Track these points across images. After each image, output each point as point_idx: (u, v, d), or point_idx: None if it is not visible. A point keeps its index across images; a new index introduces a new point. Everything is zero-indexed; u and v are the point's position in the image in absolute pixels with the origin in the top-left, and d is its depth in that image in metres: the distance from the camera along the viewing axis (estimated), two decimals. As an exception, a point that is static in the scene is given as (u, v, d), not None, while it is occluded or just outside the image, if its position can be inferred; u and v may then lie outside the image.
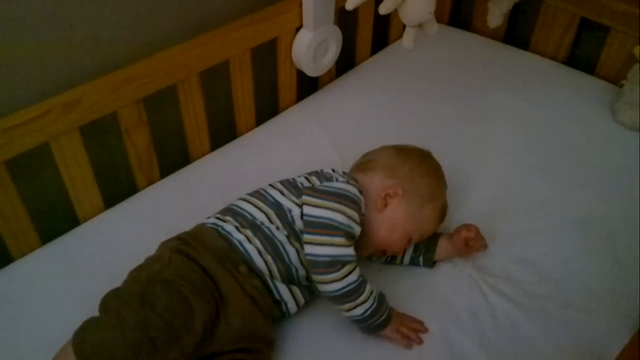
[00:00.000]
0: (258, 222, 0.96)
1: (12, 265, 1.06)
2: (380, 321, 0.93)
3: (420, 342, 0.95)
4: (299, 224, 0.95)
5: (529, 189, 1.23)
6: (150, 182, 1.23)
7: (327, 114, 1.42)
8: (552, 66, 1.54)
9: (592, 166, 1.27)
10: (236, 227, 0.96)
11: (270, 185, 1.04)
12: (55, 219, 1.13)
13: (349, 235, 0.92)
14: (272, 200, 1.00)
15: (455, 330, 0.97)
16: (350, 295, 0.90)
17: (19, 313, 0.99)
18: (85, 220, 1.15)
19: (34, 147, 1.01)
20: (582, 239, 1.12)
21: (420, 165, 1.06)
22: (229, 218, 0.98)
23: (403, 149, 1.10)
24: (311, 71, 1.40)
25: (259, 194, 1.02)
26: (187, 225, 1.13)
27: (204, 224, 1.00)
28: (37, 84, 1.03)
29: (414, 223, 1.01)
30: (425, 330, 0.97)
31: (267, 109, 1.42)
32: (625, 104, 1.34)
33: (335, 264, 0.89)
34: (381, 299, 0.94)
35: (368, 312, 0.91)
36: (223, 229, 0.96)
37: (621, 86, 1.37)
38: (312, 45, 1.34)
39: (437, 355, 0.94)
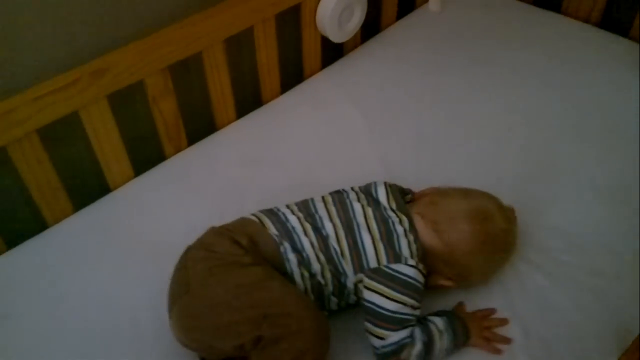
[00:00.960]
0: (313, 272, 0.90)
1: (47, 232, 1.10)
2: (461, 341, 0.89)
3: (508, 341, 0.91)
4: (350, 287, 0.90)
5: (559, 155, 1.21)
6: (178, 150, 1.24)
7: (352, 80, 1.41)
8: (584, 29, 1.50)
9: (624, 132, 1.24)
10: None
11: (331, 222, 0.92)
12: (86, 187, 1.16)
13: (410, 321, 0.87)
14: (332, 255, 0.90)
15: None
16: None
17: (55, 277, 1.02)
18: (116, 187, 1.17)
19: (64, 116, 1.02)
20: (612, 206, 1.10)
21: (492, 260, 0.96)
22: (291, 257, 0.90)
23: (485, 242, 0.92)
24: (336, 37, 1.38)
25: (321, 239, 0.91)
26: (214, 193, 1.15)
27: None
28: (65, 53, 1.04)
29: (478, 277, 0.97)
30: (506, 321, 0.93)
31: (292, 76, 1.41)
32: (659, 68, 1.29)
33: (399, 349, 0.86)
34: (450, 325, 0.89)
35: (450, 346, 0.88)
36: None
37: (655, 49, 1.33)
38: (336, 11, 1.32)
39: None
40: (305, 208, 0.95)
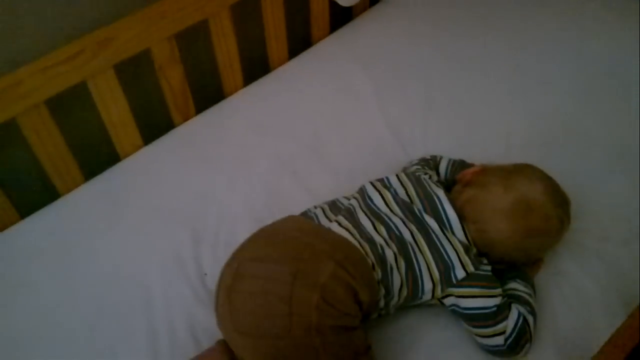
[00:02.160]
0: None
1: (58, 201, 1.11)
2: (532, 281, 0.93)
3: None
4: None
5: (569, 119, 1.20)
6: (186, 118, 1.24)
7: (361, 44, 1.39)
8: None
9: (636, 94, 1.22)
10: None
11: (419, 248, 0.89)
12: (96, 156, 1.17)
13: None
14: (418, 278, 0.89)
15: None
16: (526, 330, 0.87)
17: (67, 246, 1.04)
18: (126, 156, 1.18)
19: (72, 87, 1.03)
20: (622, 170, 1.09)
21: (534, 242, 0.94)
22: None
23: (528, 235, 0.91)
24: (344, 0, 1.35)
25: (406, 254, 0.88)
26: (223, 160, 1.16)
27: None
28: (69, 23, 1.03)
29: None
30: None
31: (300, 41, 1.40)
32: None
33: (522, 330, 0.87)
34: (523, 279, 0.92)
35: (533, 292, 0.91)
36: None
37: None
38: (344, -27, 1.30)
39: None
40: (394, 233, 0.89)
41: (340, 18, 1.44)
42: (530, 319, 0.88)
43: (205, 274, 1.00)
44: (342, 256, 0.81)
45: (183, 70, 1.18)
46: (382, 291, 0.86)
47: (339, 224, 0.89)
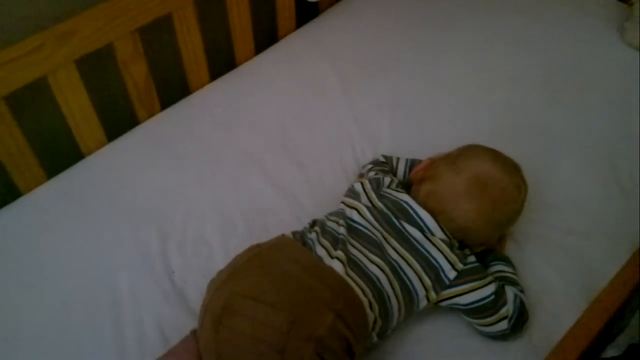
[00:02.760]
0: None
1: (20, 200, 1.08)
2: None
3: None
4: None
5: (534, 113, 1.22)
6: (151, 114, 1.22)
7: (328, 39, 1.39)
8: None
9: (598, 89, 1.25)
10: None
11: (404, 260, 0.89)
12: (59, 153, 1.14)
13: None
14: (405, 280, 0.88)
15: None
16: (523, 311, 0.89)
17: (30, 246, 1.02)
18: (89, 153, 1.16)
19: (32, 82, 1.00)
20: (585, 164, 1.12)
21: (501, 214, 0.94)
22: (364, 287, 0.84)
23: (494, 207, 0.92)
24: (310, -5, 1.35)
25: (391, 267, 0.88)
26: (190, 156, 1.14)
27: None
28: (30, 18, 1.01)
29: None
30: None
31: (266, 36, 1.39)
32: (634, 24, 1.30)
33: (520, 308, 0.89)
34: (503, 260, 0.95)
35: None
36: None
37: (631, 4, 1.33)
38: (310, -32, 1.29)
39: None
40: (384, 254, 0.88)
41: (306, 13, 1.44)
42: (523, 297, 0.90)
43: (173, 272, 0.99)
44: (342, 305, 0.78)
45: (147, 65, 1.16)
46: (379, 325, 0.84)
47: (339, 260, 0.84)
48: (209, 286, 0.85)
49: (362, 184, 0.98)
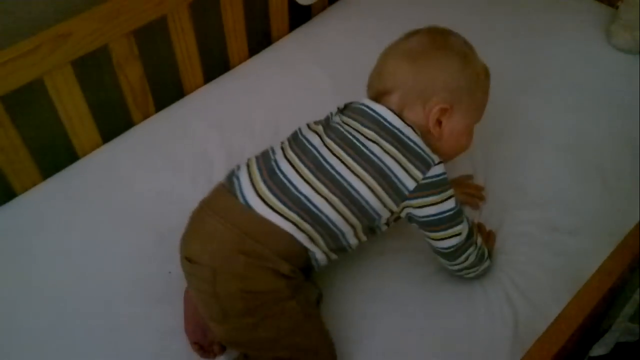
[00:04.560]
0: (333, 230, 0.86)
1: (15, 200, 1.09)
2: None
3: (483, 198, 1.07)
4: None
5: (522, 114, 1.24)
6: (146, 116, 1.24)
7: (321, 42, 1.41)
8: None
9: (586, 90, 1.28)
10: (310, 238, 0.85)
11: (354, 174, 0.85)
12: (54, 154, 1.15)
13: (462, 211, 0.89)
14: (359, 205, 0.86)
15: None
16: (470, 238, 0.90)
17: (25, 246, 1.03)
18: (84, 154, 1.17)
19: (28, 83, 1.01)
20: (572, 164, 1.14)
21: (437, 58, 0.92)
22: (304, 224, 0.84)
23: (410, 53, 0.93)
24: (303, -1, 1.37)
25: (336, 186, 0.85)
26: (184, 158, 1.16)
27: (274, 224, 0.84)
28: (27, 19, 1.02)
29: (474, 115, 0.96)
30: (482, 187, 1.09)
31: (260, 39, 1.41)
32: (620, 27, 1.32)
33: (470, 235, 0.90)
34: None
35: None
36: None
37: (617, 8, 1.35)
38: (302, -28, 1.31)
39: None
40: (317, 165, 0.86)
41: (300, 16, 1.46)
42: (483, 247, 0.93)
43: (170, 272, 1.00)
44: (251, 244, 0.83)
45: (142, 67, 1.17)
46: (325, 244, 0.86)
47: (260, 197, 0.85)
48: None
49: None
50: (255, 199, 0.85)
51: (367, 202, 0.85)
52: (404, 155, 0.85)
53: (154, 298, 0.97)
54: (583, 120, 1.22)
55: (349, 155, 0.86)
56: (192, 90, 1.29)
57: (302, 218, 0.84)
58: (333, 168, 0.86)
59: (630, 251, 0.82)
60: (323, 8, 1.50)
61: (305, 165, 0.87)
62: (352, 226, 0.86)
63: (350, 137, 0.88)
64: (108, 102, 1.20)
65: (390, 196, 0.85)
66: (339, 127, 0.90)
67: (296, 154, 0.89)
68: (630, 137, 1.18)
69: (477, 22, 1.44)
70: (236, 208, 0.86)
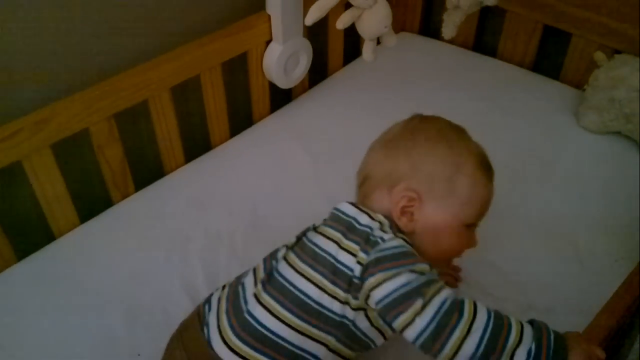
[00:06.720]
0: None
1: (-12, 281, 1.08)
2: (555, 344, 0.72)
3: (460, 279, 0.97)
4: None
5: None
6: (125, 196, 1.25)
7: (301, 123, 1.45)
8: (519, 73, 1.57)
9: (557, 169, 1.31)
10: None
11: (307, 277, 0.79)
12: (30, 235, 1.15)
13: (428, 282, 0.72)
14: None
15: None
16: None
17: (-5, 328, 1.01)
18: (61, 235, 1.17)
19: (6, 166, 1.03)
20: (545, 242, 1.15)
21: (405, 141, 0.86)
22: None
23: (383, 141, 0.90)
24: (283, 83, 1.42)
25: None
26: (160, 236, 1.16)
27: None
28: (8, 104, 1.05)
29: (460, 211, 0.82)
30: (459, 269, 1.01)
31: (242, 121, 1.44)
32: (588, 109, 1.37)
33: (442, 321, 0.69)
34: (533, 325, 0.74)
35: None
36: None
37: (584, 90, 1.41)
38: (282, 58, 1.37)
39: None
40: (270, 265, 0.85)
41: (281, 99, 1.51)
42: (471, 311, 0.70)
43: (139, 355, 0.98)
44: None
45: (122, 148, 1.20)
46: None
47: (223, 341, 0.80)
48: None
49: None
50: (220, 344, 0.80)
51: (312, 299, 0.77)
52: (346, 237, 0.78)
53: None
54: (556, 199, 1.24)
55: (302, 261, 0.80)
56: (172, 170, 1.31)
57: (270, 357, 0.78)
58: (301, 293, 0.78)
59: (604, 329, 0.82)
60: (304, 90, 1.55)
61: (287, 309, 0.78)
62: (323, 343, 0.77)
63: (311, 245, 0.82)
64: (87, 183, 1.22)
65: (333, 283, 0.76)
66: (306, 242, 0.84)
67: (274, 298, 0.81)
68: (603, 215, 1.20)
69: (452, 106, 1.48)
70: (202, 344, 0.82)
